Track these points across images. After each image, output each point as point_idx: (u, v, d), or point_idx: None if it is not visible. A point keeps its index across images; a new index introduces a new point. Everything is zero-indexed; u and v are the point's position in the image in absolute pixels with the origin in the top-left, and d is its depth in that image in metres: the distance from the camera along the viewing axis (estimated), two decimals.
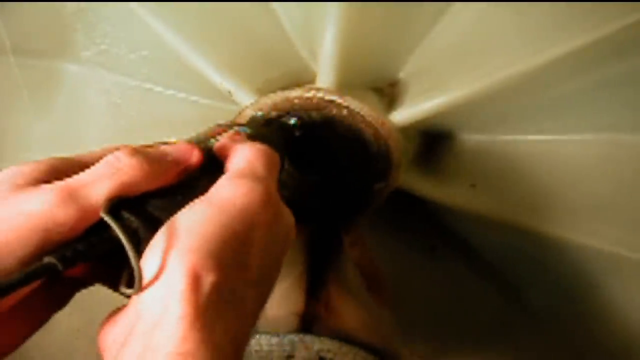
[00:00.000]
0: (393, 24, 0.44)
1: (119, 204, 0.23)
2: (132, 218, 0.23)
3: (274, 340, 0.50)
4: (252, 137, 0.32)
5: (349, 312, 0.55)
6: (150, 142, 0.54)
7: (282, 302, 0.51)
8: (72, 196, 0.21)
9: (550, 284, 0.50)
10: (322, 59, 0.42)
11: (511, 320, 0.54)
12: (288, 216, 0.28)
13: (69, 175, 0.23)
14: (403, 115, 0.44)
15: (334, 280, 0.53)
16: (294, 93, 0.43)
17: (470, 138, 0.50)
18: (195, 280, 0.20)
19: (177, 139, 0.30)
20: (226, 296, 0.21)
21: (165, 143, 0.28)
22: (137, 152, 0.24)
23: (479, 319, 0.55)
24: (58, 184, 0.22)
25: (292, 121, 0.44)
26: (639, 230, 0.44)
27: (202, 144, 0.29)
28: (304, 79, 0.47)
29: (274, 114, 0.44)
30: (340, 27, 0.40)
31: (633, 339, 0.48)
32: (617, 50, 0.38)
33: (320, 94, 0.42)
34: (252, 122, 0.37)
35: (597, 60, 0.39)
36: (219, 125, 0.33)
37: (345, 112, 0.43)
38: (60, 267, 0.20)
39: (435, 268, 0.54)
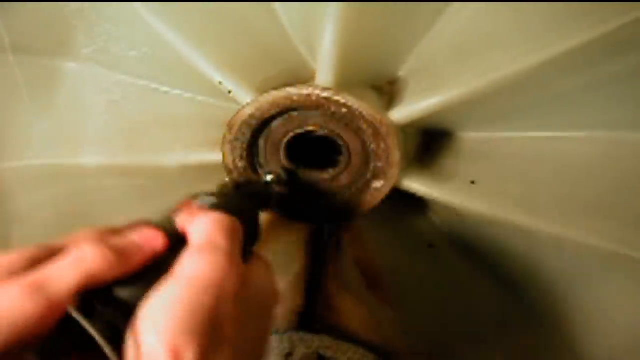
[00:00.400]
0: (392, 22, 0.44)
1: (90, 296, 0.24)
2: (105, 310, 0.24)
3: (273, 338, 0.50)
4: (215, 207, 0.32)
5: (348, 310, 0.55)
6: (150, 140, 0.54)
7: (281, 300, 0.51)
8: (38, 290, 0.22)
9: (549, 282, 0.50)
10: (321, 57, 0.42)
11: (511, 318, 0.54)
12: (263, 276, 0.29)
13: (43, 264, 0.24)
14: (402, 113, 0.44)
15: (333, 278, 0.53)
16: (293, 91, 0.43)
17: (470, 136, 0.50)
18: (177, 358, 0.21)
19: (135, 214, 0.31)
20: None
21: (136, 225, 0.29)
22: (101, 242, 0.25)
23: (478, 317, 0.55)
24: (24, 278, 0.23)
25: (268, 179, 0.45)
26: None
27: (167, 224, 0.30)
28: (303, 77, 0.47)
29: (241, 179, 0.46)
30: (340, 25, 0.40)
31: (633, 338, 0.48)
32: (616, 48, 0.38)
33: (319, 92, 0.42)
34: (221, 190, 0.38)
35: (595, 58, 0.39)
36: (186, 198, 0.34)
37: (344, 110, 0.43)
38: None
39: (434, 265, 0.54)
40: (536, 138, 0.47)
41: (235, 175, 0.48)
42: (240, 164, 0.48)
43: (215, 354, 0.23)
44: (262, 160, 0.48)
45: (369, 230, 0.54)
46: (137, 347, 0.22)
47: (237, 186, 0.39)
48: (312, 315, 0.51)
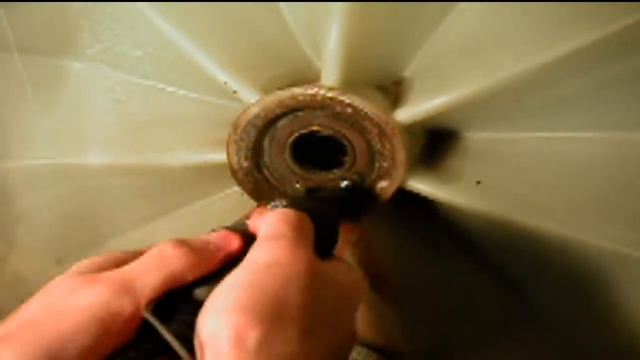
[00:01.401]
0: (398, 22, 0.44)
1: (168, 297, 0.24)
2: (185, 310, 0.24)
3: None
4: (285, 207, 0.33)
5: None
6: (154, 140, 0.54)
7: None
8: (125, 288, 0.23)
9: (554, 282, 0.50)
10: (326, 57, 0.42)
11: (515, 318, 0.54)
12: (343, 274, 0.29)
13: None
14: (407, 113, 0.44)
15: None
16: (298, 91, 0.43)
17: (475, 136, 0.50)
18: (239, 338, 0.21)
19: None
20: (276, 349, 0.22)
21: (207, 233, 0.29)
22: (182, 243, 0.26)
23: (483, 317, 0.55)
24: (111, 276, 0.23)
25: (344, 184, 0.45)
26: None
27: (240, 226, 0.31)
28: (309, 77, 0.47)
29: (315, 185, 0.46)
30: (345, 24, 0.40)
31: (636, 338, 0.48)
32: (623, 48, 0.38)
33: (324, 92, 0.42)
34: (293, 195, 0.40)
35: (602, 58, 0.39)
36: (260, 204, 0.36)
37: (349, 110, 0.43)
38: None
39: (439, 266, 0.54)
40: (542, 138, 0.47)
41: (240, 175, 0.48)
42: (245, 164, 0.48)
43: (279, 334, 0.23)
44: (267, 160, 0.48)
45: (374, 231, 0.54)
46: (199, 335, 0.22)
47: (309, 190, 0.40)
48: None
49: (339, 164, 0.47)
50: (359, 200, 0.46)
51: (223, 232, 0.29)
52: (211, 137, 0.52)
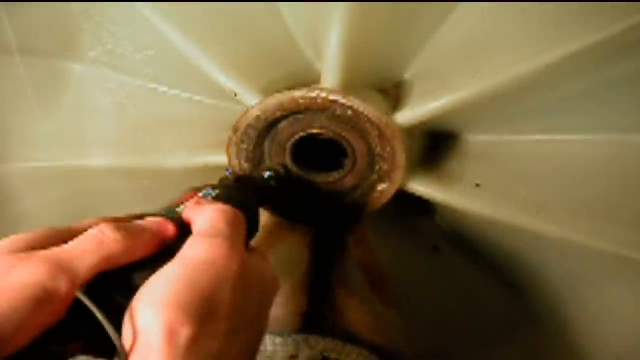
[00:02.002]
0: (398, 24, 0.44)
1: (102, 279, 0.24)
2: (117, 294, 0.24)
3: (278, 340, 0.50)
4: (218, 199, 0.34)
5: (353, 312, 0.55)
6: (155, 142, 0.55)
7: (285, 301, 0.51)
8: (61, 268, 0.23)
9: (554, 284, 0.50)
10: (327, 59, 0.42)
11: (515, 320, 0.54)
12: (265, 269, 0.30)
13: (64, 243, 0.25)
14: (408, 115, 0.44)
15: (338, 280, 0.53)
16: (299, 93, 0.43)
17: (475, 138, 0.50)
18: (172, 334, 0.22)
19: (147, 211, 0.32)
20: (205, 348, 0.23)
21: (139, 217, 0.30)
22: (120, 227, 0.26)
23: (483, 319, 0.55)
24: (48, 255, 0.23)
25: (267, 175, 0.45)
26: None
27: (173, 213, 0.31)
28: (309, 79, 0.47)
29: (245, 167, 0.47)
30: (345, 27, 0.40)
31: (635, 340, 0.48)
32: (623, 50, 0.38)
33: (324, 94, 0.42)
34: (222, 183, 0.39)
35: (603, 60, 0.39)
36: (191, 189, 0.35)
37: (349, 112, 0.43)
38: (58, 349, 0.22)
39: (439, 268, 0.54)
40: (541, 141, 0.47)
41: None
42: (245, 166, 0.48)
43: (210, 333, 0.23)
44: (267, 162, 0.49)
45: (374, 233, 0.54)
46: (133, 324, 0.22)
47: (238, 179, 0.40)
48: (317, 317, 0.51)
49: (339, 166, 0.48)
50: (283, 191, 0.46)
51: (159, 220, 0.29)
52: (212, 140, 0.52)
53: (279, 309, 0.52)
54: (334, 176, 0.48)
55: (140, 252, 0.26)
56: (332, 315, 0.52)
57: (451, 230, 0.52)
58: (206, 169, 0.52)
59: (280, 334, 0.50)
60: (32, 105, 0.57)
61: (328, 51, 0.42)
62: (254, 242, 0.36)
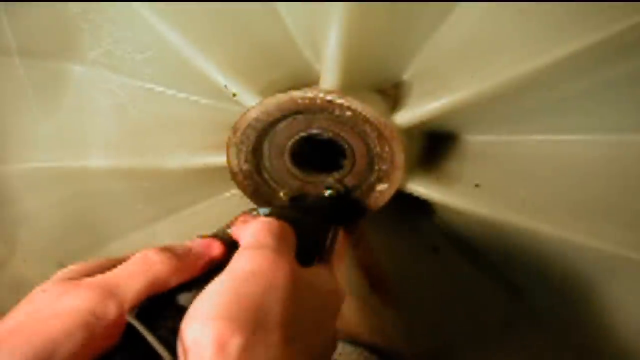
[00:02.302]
0: (397, 25, 0.44)
1: (153, 302, 0.24)
2: (168, 316, 0.24)
3: None
4: (269, 216, 0.34)
5: (352, 312, 0.55)
6: (154, 143, 0.55)
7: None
8: (109, 292, 0.23)
9: (553, 284, 0.50)
10: (325, 60, 0.42)
11: (515, 320, 0.54)
12: (324, 282, 0.30)
13: None
14: (406, 116, 0.44)
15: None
16: (298, 94, 0.43)
17: (474, 139, 0.50)
18: (222, 345, 0.22)
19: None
20: (256, 357, 0.22)
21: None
22: (165, 249, 0.26)
23: (482, 319, 0.55)
24: (95, 281, 0.24)
25: (327, 193, 0.46)
26: None
27: (223, 234, 0.31)
28: (308, 80, 0.47)
29: (298, 194, 0.46)
30: (344, 27, 0.40)
31: (636, 340, 0.48)
32: (622, 50, 0.38)
33: (323, 95, 0.42)
34: (277, 203, 0.39)
35: (601, 60, 0.39)
36: (243, 212, 0.36)
37: (348, 113, 0.43)
38: None
39: (438, 268, 0.54)
40: (541, 141, 0.47)
41: (240, 177, 0.48)
42: (244, 167, 0.48)
43: (261, 342, 0.23)
44: (266, 163, 0.49)
45: (374, 233, 0.54)
46: (183, 341, 0.22)
47: (292, 199, 0.40)
48: None
49: (338, 166, 0.48)
50: (344, 209, 0.46)
51: (205, 239, 0.29)
52: (211, 140, 0.52)
53: None
54: (333, 177, 0.48)
55: (188, 272, 0.27)
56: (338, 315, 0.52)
57: (450, 230, 0.52)
58: (206, 170, 0.52)
59: None
60: (31, 106, 0.57)
61: (327, 51, 0.42)
62: None
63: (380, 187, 0.46)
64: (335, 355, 0.50)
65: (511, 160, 0.48)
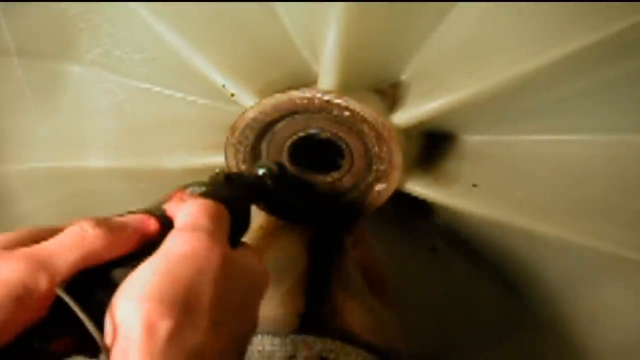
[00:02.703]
0: (395, 25, 0.44)
1: (84, 276, 0.24)
2: (99, 291, 0.24)
3: (276, 340, 0.50)
4: (204, 195, 0.33)
5: (351, 312, 0.55)
6: (153, 143, 0.55)
7: (283, 302, 0.51)
8: (41, 265, 0.23)
9: (552, 284, 0.50)
10: (324, 60, 0.42)
11: (513, 320, 0.54)
12: (252, 264, 0.30)
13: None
14: (404, 116, 0.44)
15: (336, 280, 0.53)
16: (296, 94, 0.43)
17: (472, 139, 0.50)
18: (151, 327, 0.22)
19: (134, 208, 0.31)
20: (185, 340, 0.23)
21: (121, 215, 0.29)
22: (101, 223, 0.26)
23: (481, 318, 0.55)
24: (27, 252, 0.23)
25: (260, 172, 0.45)
26: None
27: (158, 210, 0.31)
28: (306, 80, 0.47)
29: (240, 167, 0.46)
30: (342, 28, 0.40)
31: (634, 340, 0.48)
32: (620, 50, 0.38)
33: (321, 95, 0.42)
34: (212, 180, 0.39)
35: (599, 60, 0.39)
36: (178, 188, 0.35)
37: (346, 113, 0.43)
38: (40, 346, 0.22)
39: (437, 268, 0.54)
40: (539, 141, 0.47)
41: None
42: (243, 167, 0.48)
43: (190, 325, 0.23)
44: (262, 160, 0.49)
45: (372, 233, 0.54)
46: (113, 319, 0.22)
47: (228, 177, 0.40)
48: (315, 318, 0.51)
49: (336, 166, 0.48)
50: (278, 189, 0.46)
51: (141, 215, 0.29)
52: (210, 140, 0.52)
53: (277, 310, 0.52)
54: (332, 177, 0.48)
55: (122, 248, 0.26)
56: (330, 316, 0.53)
57: (449, 230, 0.52)
58: (204, 170, 0.52)
59: (278, 335, 0.50)
60: (30, 106, 0.57)
61: (325, 52, 0.42)
62: (251, 241, 0.36)
63: (379, 187, 0.46)
64: (333, 355, 0.50)
65: (509, 160, 0.48)
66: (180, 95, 0.54)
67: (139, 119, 0.56)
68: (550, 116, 0.46)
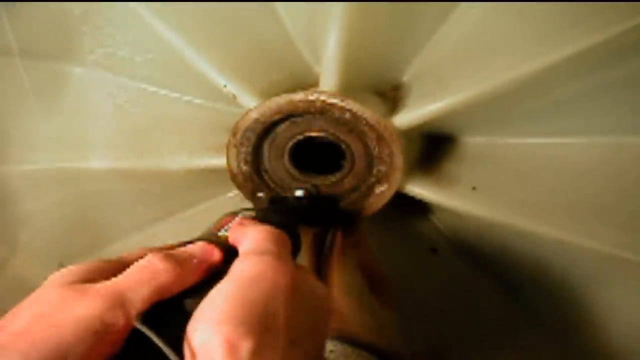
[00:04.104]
0: (396, 27, 0.44)
1: (158, 308, 0.25)
2: (173, 322, 0.25)
3: None
4: (259, 220, 0.35)
5: (351, 313, 0.55)
6: (155, 144, 0.55)
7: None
8: (117, 300, 0.24)
9: (551, 286, 0.50)
10: (325, 62, 0.42)
11: (513, 321, 0.54)
12: (315, 285, 0.30)
13: (113, 275, 0.26)
14: (405, 118, 0.44)
15: (336, 281, 0.53)
16: (297, 96, 0.43)
17: (473, 141, 0.50)
18: (232, 348, 0.22)
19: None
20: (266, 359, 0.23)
21: (184, 244, 0.30)
22: (169, 256, 0.27)
23: (480, 319, 0.55)
24: (102, 289, 0.24)
25: (298, 193, 0.46)
26: (639, 231, 0.44)
27: (217, 238, 0.32)
28: (308, 82, 0.48)
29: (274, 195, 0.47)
30: (344, 29, 0.41)
31: (633, 340, 0.48)
32: (620, 53, 0.38)
33: (323, 97, 0.43)
34: (257, 206, 0.41)
35: (599, 63, 0.39)
36: (227, 215, 0.36)
37: (347, 115, 0.43)
38: None
39: (437, 269, 0.55)
40: (538, 143, 0.47)
41: (239, 179, 0.49)
42: (244, 168, 0.48)
43: (269, 345, 0.23)
44: (266, 164, 0.49)
45: (372, 234, 0.54)
46: (190, 346, 0.23)
47: (272, 201, 0.40)
48: None
49: (337, 168, 0.48)
50: (317, 209, 0.47)
51: (205, 245, 0.30)
52: (211, 142, 0.52)
53: None
54: (333, 178, 0.48)
55: (191, 278, 0.27)
56: (331, 317, 0.53)
57: (449, 231, 0.52)
58: (206, 171, 0.53)
59: None
60: (32, 107, 0.57)
61: (326, 54, 0.42)
62: None
63: (379, 188, 0.46)
64: (333, 356, 0.50)
65: (509, 162, 0.48)
66: (181, 96, 0.55)
67: (140, 120, 0.56)
68: (550, 118, 0.46)
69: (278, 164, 0.48)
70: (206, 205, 0.60)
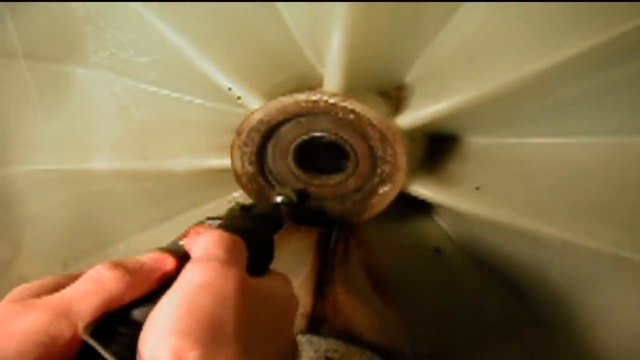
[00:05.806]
0: (400, 28, 0.44)
1: (109, 318, 0.25)
2: (123, 332, 0.24)
3: None
4: (222, 228, 0.34)
5: (355, 312, 0.55)
6: (159, 145, 0.55)
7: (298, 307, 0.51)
8: (62, 312, 0.23)
9: (555, 285, 0.50)
10: (328, 63, 0.43)
11: (516, 320, 0.54)
12: (278, 290, 0.30)
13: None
14: (409, 118, 0.44)
15: (340, 281, 0.53)
16: (301, 97, 0.44)
17: (476, 141, 0.50)
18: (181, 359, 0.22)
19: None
20: None
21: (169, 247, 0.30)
22: (117, 265, 0.26)
23: (484, 319, 0.55)
24: (47, 301, 0.24)
25: (278, 199, 0.46)
26: None
27: (175, 247, 0.31)
28: (311, 83, 0.48)
29: (251, 206, 0.46)
30: (347, 30, 0.41)
31: (634, 340, 0.48)
32: (622, 53, 0.38)
33: (326, 98, 0.43)
34: (228, 213, 0.39)
35: (601, 63, 0.39)
36: (195, 223, 0.36)
37: (351, 115, 0.43)
38: None
39: (440, 269, 0.55)
40: (540, 144, 0.48)
41: (244, 179, 0.49)
42: (248, 169, 0.48)
43: (218, 354, 0.23)
44: (270, 165, 0.49)
45: (376, 234, 0.54)
46: (140, 356, 0.23)
47: (243, 208, 0.40)
48: (320, 318, 0.52)
49: (341, 168, 0.48)
50: (296, 214, 0.47)
51: (157, 254, 0.29)
52: (215, 143, 0.53)
53: None
54: (337, 179, 0.48)
55: (142, 288, 0.27)
56: (335, 317, 0.53)
57: (452, 231, 0.52)
58: (210, 172, 0.53)
59: None
60: (36, 108, 0.58)
61: (330, 55, 0.42)
62: None
63: (383, 188, 0.47)
64: (337, 355, 0.51)
65: (512, 162, 0.48)
66: (186, 98, 0.55)
67: (144, 121, 0.56)
68: (553, 119, 0.46)
69: (282, 165, 0.49)
70: (210, 205, 0.60)
